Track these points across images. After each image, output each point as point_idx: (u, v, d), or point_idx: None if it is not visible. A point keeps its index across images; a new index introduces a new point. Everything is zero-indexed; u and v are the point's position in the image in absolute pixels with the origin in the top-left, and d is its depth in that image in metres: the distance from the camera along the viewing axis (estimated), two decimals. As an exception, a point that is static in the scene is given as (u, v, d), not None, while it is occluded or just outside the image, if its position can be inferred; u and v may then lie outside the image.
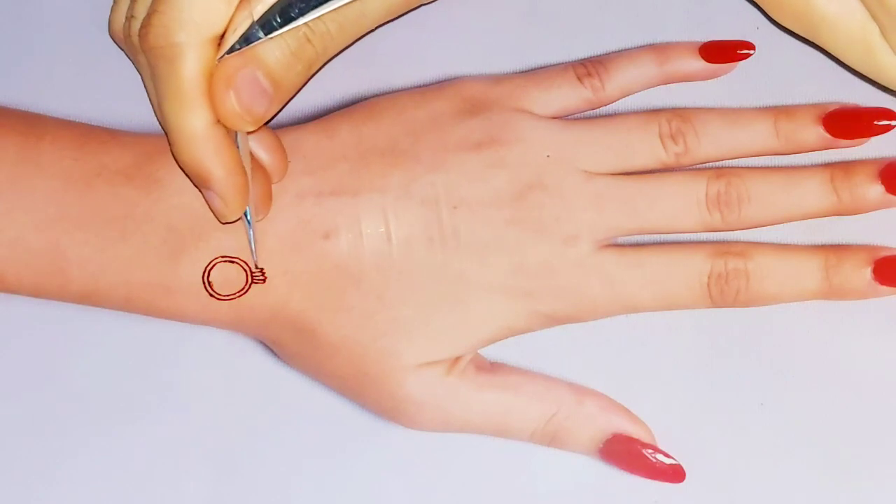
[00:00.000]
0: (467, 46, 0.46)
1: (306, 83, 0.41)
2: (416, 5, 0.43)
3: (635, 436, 0.42)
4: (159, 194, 0.41)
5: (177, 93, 0.38)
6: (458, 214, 0.41)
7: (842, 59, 0.39)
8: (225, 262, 0.41)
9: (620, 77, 0.44)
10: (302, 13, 0.38)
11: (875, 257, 0.42)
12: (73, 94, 0.45)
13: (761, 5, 0.39)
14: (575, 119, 0.44)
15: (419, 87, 0.44)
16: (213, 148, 0.38)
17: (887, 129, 0.43)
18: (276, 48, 0.38)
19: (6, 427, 0.43)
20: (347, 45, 0.41)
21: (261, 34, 0.38)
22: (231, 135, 0.39)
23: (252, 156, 0.41)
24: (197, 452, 0.43)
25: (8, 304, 0.43)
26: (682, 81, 0.45)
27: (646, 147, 0.43)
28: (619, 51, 0.45)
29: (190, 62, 0.37)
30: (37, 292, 0.42)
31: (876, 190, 0.43)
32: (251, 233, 0.41)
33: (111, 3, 0.42)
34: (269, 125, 0.42)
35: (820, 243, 0.43)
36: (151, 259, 0.41)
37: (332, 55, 0.41)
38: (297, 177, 0.42)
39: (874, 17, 0.37)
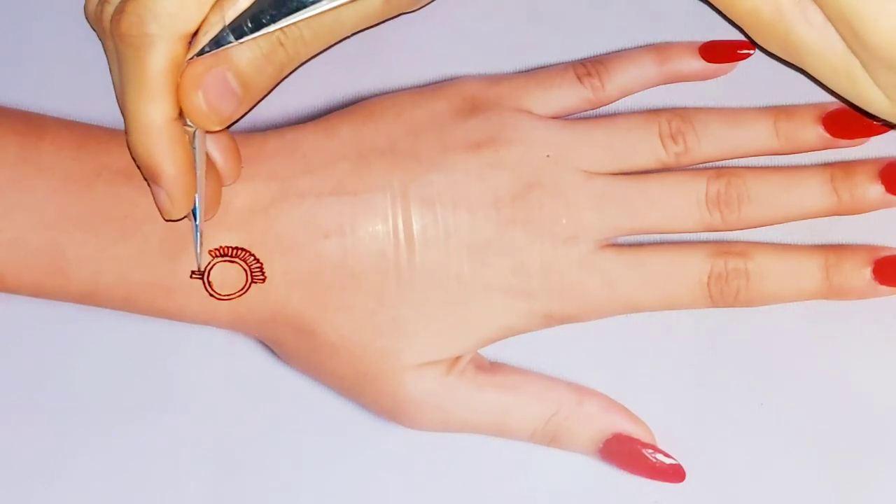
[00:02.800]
0: (467, 46, 0.46)
1: (276, 86, 0.41)
2: (393, 14, 0.43)
3: (635, 436, 0.42)
4: (159, 194, 0.41)
5: (141, 83, 0.38)
6: (457, 214, 0.41)
7: (828, 86, 0.39)
8: (225, 262, 0.41)
9: (620, 77, 0.44)
10: (273, 20, 0.38)
11: (875, 257, 0.42)
12: (73, 94, 0.45)
13: (748, 33, 0.39)
14: (575, 119, 0.44)
15: (419, 87, 0.44)
16: (167, 143, 0.38)
17: (887, 129, 0.43)
18: (247, 50, 0.39)
19: (6, 427, 0.43)
20: (321, 50, 0.41)
21: (231, 38, 0.38)
22: (188, 134, 0.39)
23: (207, 157, 0.41)
24: (197, 452, 0.43)
25: (8, 304, 0.43)
26: (682, 81, 0.45)
27: (646, 147, 0.43)
28: (619, 51, 0.45)
29: (158, 54, 0.37)
30: (37, 292, 0.42)
31: (876, 190, 0.43)
32: (197, 234, 0.41)
33: (111, 3, 0.43)
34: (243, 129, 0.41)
35: (820, 243, 0.43)
36: (151, 259, 0.41)
37: (305, 59, 0.41)
38: (297, 177, 0.42)
39: (854, 54, 0.37)
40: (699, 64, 0.45)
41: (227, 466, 0.43)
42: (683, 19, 0.46)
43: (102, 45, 0.41)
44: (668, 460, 0.42)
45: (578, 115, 0.44)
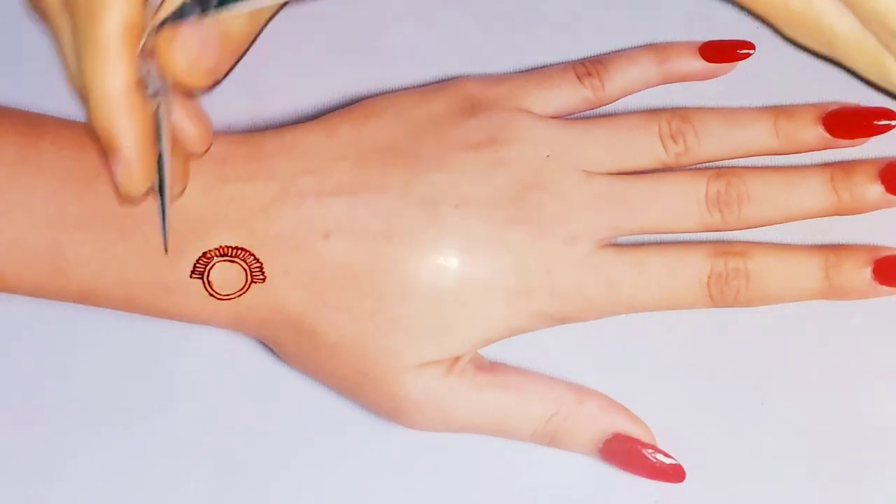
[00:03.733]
0: (467, 46, 0.46)
1: (258, 34, 0.39)
2: None
3: (635, 436, 0.42)
4: (159, 194, 0.41)
5: (97, 49, 0.36)
6: (458, 214, 0.41)
7: (860, 74, 0.39)
8: (225, 261, 0.41)
9: (620, 77, 0.44)
10: None
11: (875, 257, 0.42)
12: (73, 94, 0.45)
13: (773, 23, 0.39)
14: (575, 119, 0.44)
15: (419, 86, 0.44)
16: (126, 112, 0.37)
17: (887, 129, 0.43)
18: (213, 14, 0.37)
19: (6, 427, 0.43)
20: None
21: (196, 11, 0.36)
22: (152, 106, 0.38)
23: (174, 131, 0.39)
24: (197, 452, 0.43)
25: (8, 304, 0.43)
26: (682, 81, 0.45)
27: (646, 147, 0.43)
28: (619, 51, 0.45)
29: (114, 18, 0.36)
30: (37, 292, 0.42)
31: (876, 190, 0.43)
32: (164, 211, 0.39)
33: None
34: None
35: (820, 243, 0.43)
36: (151, 259, 0.41)
37: (278, 7, 0.39)
38: (297, 176, 0.42)
39: (885, 46, 0.37)
40: (699, 64, 0.45)
41: (227, 466, 0.43)
42: (683, 19, 0.46)
43: (48, 28, 0.39)
44: (668, 460, 0.42)
45: (578, 114, 0.44)
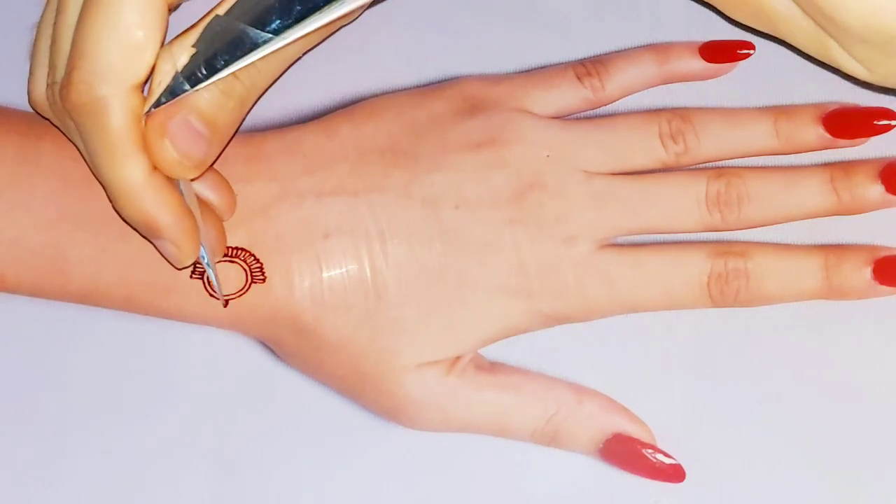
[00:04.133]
0: (467, 46, 0.46)
1: (244, 119, 0.40)
2: (338, 27, 0.42)
3: (635, 436, 0.42)
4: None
5: (108, 147, 0.37)
6: (458, 214, 0.41)
7: (804, 51, 0.39)
8: (225, 262, 0.41)
9: (620, 77, 0.44)
10: (227, 64, 0.37)
11: (875, 257, 0.42)
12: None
13: (717, 6, 0.39)
14: (575, 119, 0.44)
15: (419, 87, 0.44)
16: (155, 196, 0.38)
17: (887, 129, 0.43)
18: (204, 90, 0.37)
19: (6, 427, 0.43)
20: (279, 75, 0.40)
21: (186, 86, 0.37)
22: (173, 180, 0.38)
23: (199, 198, 0.40)
24: (197, 452, 0.43)
25: (8, 304, 0.43)
26: (682, 81, 0.45)
27: (646, 147, 0.43)
28: (619, 51, 0.45)
29: (117, 113, 0.36)
30: (37, 292, 0.42)
31: (876, 190, 0.43)
32: (212, 273, 0.40)
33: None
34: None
35: (820, 243, 0.43)
36: (151, 259, 0.41)
37: (265, 88, 0.40)
38: (297, 177, 0.42)
39: (825, 31, 0.37)
40: (699, 64, 0.45)
41: (226, 466, 0.43)
42: (683, 19, 0.46)
43: (61, 129, 0.40)
44: (668, 460, 0.42)
45: (578, 115, 0.44)
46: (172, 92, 0.37)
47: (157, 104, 0.37)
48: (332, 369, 0.42)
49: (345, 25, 0.43)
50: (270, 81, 0.40)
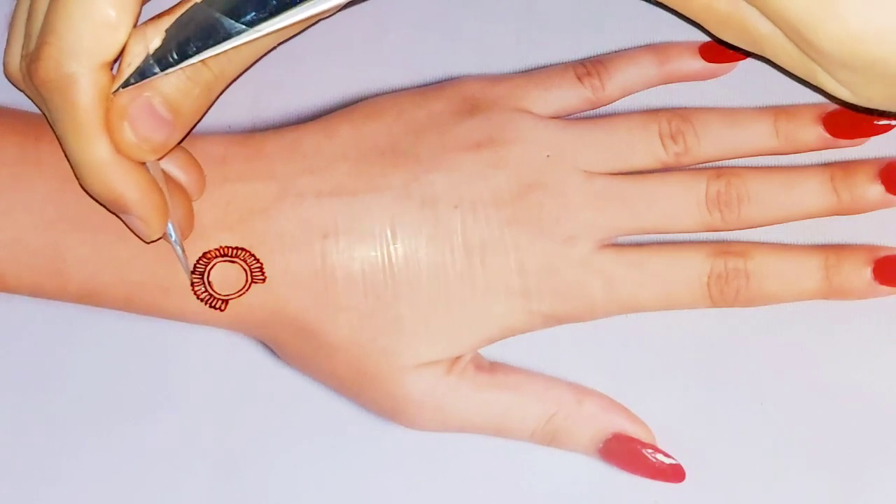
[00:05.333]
0: (467, 46, 0.46)
1: (210, 107, 0.40)
2: (312, 24, 0.42)
3: (635, 436, 0.42)
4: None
5: (75, 124, 0.37)
6: (458, 214, 0.41)
7: (789, 72, 0.39)
8: (225, 262, 0.41)
9: (620, 77, 0.44)
10: (199, 50, 0.37)
11: (875, 257, 0.42)
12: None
13: (707, 28, 0.39)
14: (575, 119, 0.44)
15: (419, 87, 0.44)
16: (121, 173, 0.38)
17: (887, 128, 0.43)
18: (171, 75, 0.37)
19: (6, 427, 0.43)
20: (249, 65, 0.40)
21: (156, 69, 0.37)
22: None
23: (168, 176, 0.40)
24: (197, 452, 0.43)
25: (8, 304, 0.43)
26: (682, 81, 0.45)
27: (646, 147, 0.43)
28: (619, 51, 0.45)
29: (84, 91, 0.36)
30: (36, 292, 0.42)
31: (876, 190, 0.43)
32: (179, 251, 0.40)
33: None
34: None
35: (820, 243, 0.43)
36: (150, 259, 0.41)
37: (232, 78, 0.40)
38: (297, 176, 0.42)
39: (807, 56, 0.37)
40: (699, 64, 0.45)
41: (226, 466, 0.43)
42: (683, 19, 0.46)
43: (34, 101, 0.40)
44: (668, 460, 0.42)
45: (578, 115, 0.44)
46: (142, 74, 0.37)
47: (126, 85, 0.37)
48: (332, 369, 0.42)
49: (318, 22, 0.42)
50: (239, 71, 0.40)
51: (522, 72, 0.45)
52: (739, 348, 0.43)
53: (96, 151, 0.37)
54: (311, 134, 0.43)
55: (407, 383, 0.41)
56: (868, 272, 0.42)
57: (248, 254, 0.41)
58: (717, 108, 0.44)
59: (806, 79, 0.38)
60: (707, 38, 0.45)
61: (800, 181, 0.43)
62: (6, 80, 0.41)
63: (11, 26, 0.40)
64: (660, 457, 0.42)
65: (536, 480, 0.43)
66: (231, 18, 0.37)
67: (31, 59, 0.37)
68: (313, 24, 0.43)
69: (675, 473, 0.42)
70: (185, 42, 0.37)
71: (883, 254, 0.43)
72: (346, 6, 0.39)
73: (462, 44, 0.46)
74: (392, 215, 0.41)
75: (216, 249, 0.41)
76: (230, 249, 0.41)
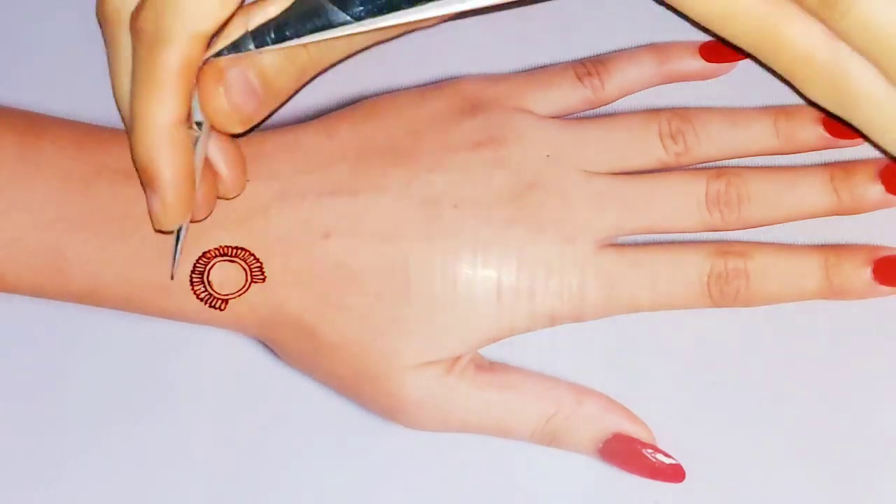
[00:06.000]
0: (467, 46, 0.46)
1: (298, 91, 0.40)
2: (414, 29, 0.43)
3: (635, 436, 0.42)
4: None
5: (151, 81, 0.37)
6: (458, 214, 0.41)
7: (881, 143, 0.38)
8: (225, 261, 0.41)
9: (620, 77, 0.44)
10: (297, 34, 0.37)
11: (875, 257, 0.42)
12: (73, 94, 0.45)
13: (796, 83, 0.38)
14: (575, 119, 0.44)
15: (419, 86, 0.44)
16: (169, 146, 0.38)
17: (887, 128, 0.43)
18: (269, 50, 0.38)
19: (6, 427, 0.43)
20: (345, 57, 0.40)
21: (252, 45, 0.37)
22: (190, 143, 0.38)
23: (209, 166, 0.40)
24: (197, 452, 0.43)
25: (8, 304, 0.43)
26: (682, 81, 0.45)
27: (646, 147, 0.43)
28: (619, 51, 0.45)
29: (173, 52, 0.37)
30: (36, 292, 0.42)
31: (876, 190, 0.43)
32: (177, 248, 0.40)
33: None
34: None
35: (820, 243, 0.43)
36: (151, 258, 0.41)
37: (326, 66, 0.40)
38: (297, 176, 0.42)
39: None
40: (699, 64, 0.45)
41: (226, 466, 0.43)
42: (683, 19, 0.46)
43: (107, 40, 0.40)
44: (668, 460, 0.42)
45: (578, 114, 0.44)
46: (236, 47, 0.37)
47: (219, 54, 0.37)
48: (332, 369, 0.42)
49: (421, 28, 0.43)
50: (335, 61, 0.40)
51: (522, 72, 0.45)
52: (739, 348, 0.43)
53: (159, 114, 0.37)
54: (311, 134, 0.43)
55: (407, 383, 0.41)
56: (868, 272, 0.42)
57: (247, 253, 0.41)
58: (717, 108, 0.44)
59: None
60: (707, 38, 0.45)
61: (800, 181, 0.43)
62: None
63: None
64: (660, 457, 0.42)
65: (536, 480, 0.43)
66: (339, 8, 0.37)
67: (137, 6, 0.37)
68: (412, 31, 0.43)
69: (675, 473, 0.42)
70: (284, 24, 0.37)
71: (883, 254, 0.43)
72: (450, 19, 0.39)
73: (462, 44, 0.46)
74: (392, 215, 0.41)
75: (216, 249, 0.41)
76: (230, 249, 0.41)
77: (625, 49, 0.45)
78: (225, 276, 0.41)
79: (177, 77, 0.37)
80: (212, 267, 0.41)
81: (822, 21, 0.36)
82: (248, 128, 0.39)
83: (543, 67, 0.45)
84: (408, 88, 0.44)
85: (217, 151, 0.40)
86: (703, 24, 0.37)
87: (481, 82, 0.44)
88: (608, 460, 0.42)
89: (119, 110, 0.40)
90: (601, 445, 0.42)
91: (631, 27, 0.46)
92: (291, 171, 0.42)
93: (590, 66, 0.44)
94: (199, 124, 0.39)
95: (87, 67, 0.45)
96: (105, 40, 0.40)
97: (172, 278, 0.41)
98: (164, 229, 0.39)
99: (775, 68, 0.38)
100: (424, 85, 0.44)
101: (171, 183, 0.38)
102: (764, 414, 0.42)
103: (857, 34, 0.36)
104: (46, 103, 0.44)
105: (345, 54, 0.40)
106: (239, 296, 0.41)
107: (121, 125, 0.43)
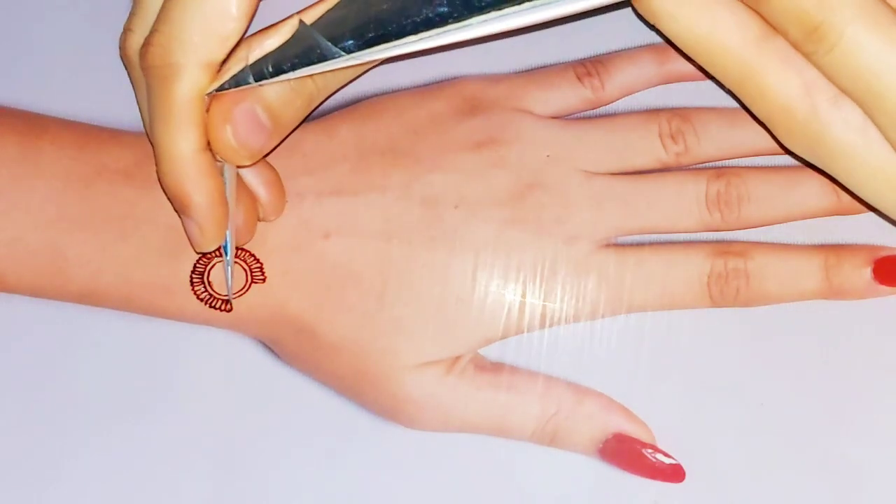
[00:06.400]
0: (467, 46, 0.46)
1: (307, 118, 0.40)
2: (406, 57, 0.42)
3: (635, 435, 0.42)
4: (159, 194, 0.41)
5: (168, 113, 0.37)
6: (458, 214, 0.41)
7: (860, 193, 0.37)
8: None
9: (620, 77, 0.44)
10: (293, 68, 0.37)
11: (875, 257, 0.42)
12: (73, 94, 0.45)
13: (776, 133, 0.37)
14: (575, 119, 0.44)
15: (419, 86, 0.44)
16: (196, 173, 0.38)
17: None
18: (275, 84, 0.38)
19: (6, 427, 0.43)
20: (348, 82, 0.41)
21: (251, 79, 0.37)
22: (217, 165, 0.39)
23: (244, 191, 0.40)
24: (197, 452, 0.43)
25: (8, 304, 0.43)
26: (681, 81, 0.45)
27: (646, 147, 0.43)
28: (619, 51, 0.45)
29: (185, 84, 0.37)
30: (37, 292, 0.42)
31: (876, 190, 0.43)
32: (228, 267, 0.40)
33: (111, 3, 0.42)
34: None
35: (820, 243, 0.43)
36: (151, 259, 0.41)
37: (332, 91, 0.40)
38: (297, 177, 0.42)
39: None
40: (699, 64, 0.45)
41: (227, 466, 0.43)
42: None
43: (129, 76, 0.41)
44: (668, 460, 0.42)
45: (578, 115, 0.44)
46: (237, 82, 0.38)
47: (221, 89, 0.38)
48: (332, 369, 0.42)
49: (412, 58, 0.43)
50: (340, 86, 0.40)
51: (522, 72, 0.45)
52: (739, 348, 0.43)
53: (181, 145, 0.38)
54: (311, 134, 0.43)
55: (407, 383, 0.41)
56: (868, 272, 0.42)
57: (247, 254, 0.41)
58: (717, 108, 0.44)
59: (884, 202, 0.37)
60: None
61: (800, 181, 0.43)
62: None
63: (137, 5, 0.40)
64: (660, 457, 0.42)
65: (536, 480, 0.43)
66: (331, 42, 0.37)
67: (144, 42, 0.38)
68: (408, 59, 0.43)
69: (675, 473, 0.42)
70: (282, 58, 0.38)
71: (883, 254, 0.43)
72: (438, 50, 0.39)
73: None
74: (392, 215, 0.41)
75: (216, 249, 0.41)
76: (230, 249, 0.41)
77: (625, 49, 0.45)
78: (225, 276, 0.41)
79: (192, 107, 0.37)
80: (212, 267, 0.41)
81: (807, 56, 0.35)
82: (257, 160, 0.39)
83: (543, 67, 0.45)
84: (408, 88, 0.44)
85: (252, 175, 0.41)
86: (686, 52, 0.37)
87: (481, 82, 0.44)
88: (608, 460, 0.42)
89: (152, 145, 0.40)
90: (601, 445, 0.42)
91: (631, 27, 0.46)
92: (291, 172, 0.42)
93: (590, 67, 0.44)
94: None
95: (87, 67, 0.45)
96: (131, 81, 0.41)
97: (230, 302, 0.41)
98: (203, 251, 0.40)
99: (754, 112, 0.37)
100: (424, 85, 0.44)
101: (203, 207, 0.38)
102: (764, 414, 0.42)
103: (842, 72, 0.35)
104: (46, 103, 0.44)
105: (349, 79, 0.41)
106: (239, 296, 0.41)
107: (121, 125, 0.44)
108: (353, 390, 0.42)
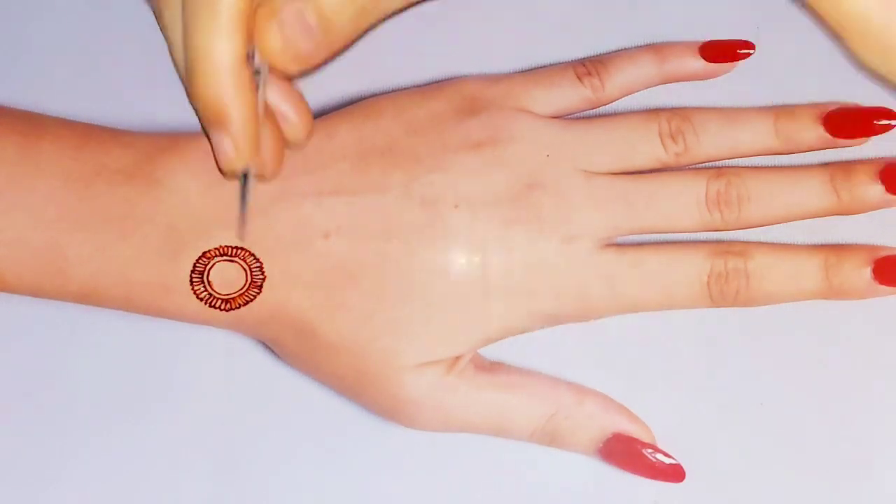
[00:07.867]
0: (467, 46, 0.46)
1: (357, 39, 0.39)
2: None
3: (635, 435, 0.42)
4: (159, 194, 0.41)
5: (211, 16, 0.36)
6: (458, 214, 0.41)
7: None
8: (225, 261, 0.41)
9: (620, 77, 0.44)
10: None
11: (875, 257, 0.42)
12: (73, 94, 0.45)
13: (850, 42, 0.36)
14: (575, 119, 0.44)
15: (419, 86, 0.44)
16: (235, 84, 0.37)
17: (887, 128, 0.43)
18: None
19: (6, 427, 0.43)
20: (401, 7, 0.39)
21: None
22: (254, 81, 0.37)
23: (271, 115, 0.39)
24: (197, 452, 0.43)
25: (8, 304, 0.43)
26: (682, 81, 0.45)
27: (645, 146, 0.43)
28: (619, 51, 0.45)
29: None
30: (37, 292, 0.42)
31: (876, 190, 0.43)
32: (247, 196, 0.39)
33: (112, 3, 0.42)
34: None
35: (820, 243, 0.43)
36: (151, 259, 0.41)
37: (384, 15, 0.39)
38: (297, 176, 0.42)
39: None
40: (699, 64, 0.45)
41: (226, 466, 0.43)
42: (683, 19, 0.46)
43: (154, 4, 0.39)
44: (668, 460, 0.42)
45: (578, 114, 0.44)
46: None
47: None
48: (332, 369, 0.42)
49: None
50: (393, 9, 0.39)
51: (522, 71, 0.45)
52: (739, 348, 0.43)
53: (222, 52, 0.36)
54: (312, 134, 0.43)
55: (407, 383, 0.41)
56: (868, 272, 0.42)
57: (247, 253, 0.41)
58: (717, 108, 0.44)
59: None
60: (707, 39, 0.45)
61: (800, 181, 0.43)
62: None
63: None
64: (660, 457, 0.42)
65: (536, 480, 0.43)
66: None
67: None
68: None
69: (675, 473, 0.42)
70: None
71: (883, 254, 0.43)
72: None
73: (462, 44, 0.46)
74: (392, 215, 0.41)
75: (216, 249, 0.41)
76: (230, 249, 0.41)
77: (625, 49, 0.45)
78: (225, 276, 0.41)
79: (237, 14, 0.36)
80: (212, 267, 0.41)
81: None
82: (304, 68, 0.38)
83: (543, 67, 0.45)
84: (408, 88, 0.44)
85: (278, 96, 0.39)
86: None
87: (481, 82, 0.44)
88: (608, 460, 0.42)
89: (177, 66, 0.38)
90: (601, 445, 0.42)
91: (631, 27, 0.46)
92: (291, 172, 0.42)
93: (590, 66, 0.44)
94: (256, 73, 0.38)
95: (87, 67, 0.45)
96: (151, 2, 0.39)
97: (240, 238, 0.40)
98: (234, 170, 0.39)
99: (827, 20, 0.36)
100: (424, 85, 0.44)
101: (241, 121, 0.37)
102: (764, 414, 0.42)
103: None
104: (46, 103, 0.44)
105: (403, 4, 0.39)
106: (239, 296, 0.41)
107: (121, 125, 0.43)
108: (353, 390, 0.42)
